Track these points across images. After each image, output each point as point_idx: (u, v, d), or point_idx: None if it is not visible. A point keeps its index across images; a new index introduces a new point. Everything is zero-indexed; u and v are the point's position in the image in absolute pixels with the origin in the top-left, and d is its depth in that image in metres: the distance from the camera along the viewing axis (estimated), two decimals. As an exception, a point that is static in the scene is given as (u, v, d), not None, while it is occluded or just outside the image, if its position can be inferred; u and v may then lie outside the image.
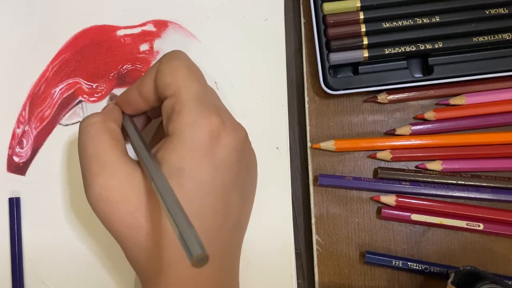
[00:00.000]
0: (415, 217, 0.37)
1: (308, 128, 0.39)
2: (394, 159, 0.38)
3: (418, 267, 0.36)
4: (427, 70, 0.38)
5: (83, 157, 0.30)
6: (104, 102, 0.39)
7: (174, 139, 0.28)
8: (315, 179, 0.38)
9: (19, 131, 0.38)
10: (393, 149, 0.38)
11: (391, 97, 0.38)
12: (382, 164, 0.38)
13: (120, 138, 0.31)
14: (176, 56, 0.30)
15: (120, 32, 0.39)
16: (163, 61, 0.30)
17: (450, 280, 0.33)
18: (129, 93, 0.32)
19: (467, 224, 0.36)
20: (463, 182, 0.37)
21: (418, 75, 0.38)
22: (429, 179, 0.37)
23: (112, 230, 0.29)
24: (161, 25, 0.39)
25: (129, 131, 0.32)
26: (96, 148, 0.29)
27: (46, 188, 0.38)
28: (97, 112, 0.32)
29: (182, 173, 0.27)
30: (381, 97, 0.38)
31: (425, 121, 0.38)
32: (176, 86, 0.29)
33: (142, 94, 0.31)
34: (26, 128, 0.38)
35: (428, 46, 0.37)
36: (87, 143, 0.30)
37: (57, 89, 0.39)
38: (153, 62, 0.39)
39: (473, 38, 0.37)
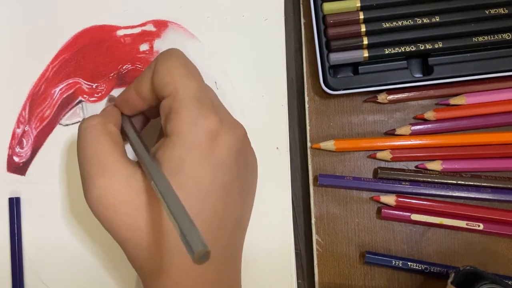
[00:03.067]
0: (415, 217, 0.37)
1: (308, 128, 0.39)
2: (394, 159, 0.38)
3: (418, 267, 0.36)
4: (427, 70, 0.38)
5: (82, 159, 0.30)
6: (104, 102, 0.39)
7: (173, 138, 0.28)
8: (315, 179, 0.38)
9: (19, 131, 0.38)
10: (393, 149, 0.38)
11: (391, 97, 0.38)
12: (382, 164, 0.38)
13: (119, 140, 0.31)
14: (172, 54, 0.30)
15: (120, 32, 0.39)
16: (160, 60, 0.30)
17: (450, 280, 0.33)
18: (127, 93, 0.32)
19: (467, 224, 0.36)
20: (463, 182, 0.37)
21: (418, 75, 0.38)
22: (429, 179, 0.37)
23: (113, 232, 0.29)
24: (161, 25, 0.39)
25: (129, 132, 0.32)
26: (96, 150, 0.29)
27: (46, 188, 0.38)
28: (96, 114, 0.32)
29: (182, 173, 0.27)
30: (381, 97, 0.38)
31: (425, 121, 0.38)
32: (174, 85, 0.28)
33: (140, 93, 0.31)
34: (26, 128, 0.38)
35: (428, 46, 0.37)
36: (86, 145, 0.30)
37: (57, 89, 0.39)
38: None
39: (473, 38, 0.37)
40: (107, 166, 0.29)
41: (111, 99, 0.38)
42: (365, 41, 0.37)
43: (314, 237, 0.37)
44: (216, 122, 0.28)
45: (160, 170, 0.27)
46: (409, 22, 0.37)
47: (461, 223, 0.36)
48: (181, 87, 0.28)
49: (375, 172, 0.38)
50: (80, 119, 0.38)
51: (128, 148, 0.31)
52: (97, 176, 0.28)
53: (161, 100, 0.29)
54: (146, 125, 0.35)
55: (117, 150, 0.29)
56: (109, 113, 0.32)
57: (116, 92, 0.39)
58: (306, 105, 0.39)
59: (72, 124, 0.39)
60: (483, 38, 0.37)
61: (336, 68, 0.39)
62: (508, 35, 0.37)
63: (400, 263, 0.36)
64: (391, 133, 0.38)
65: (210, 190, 0.28)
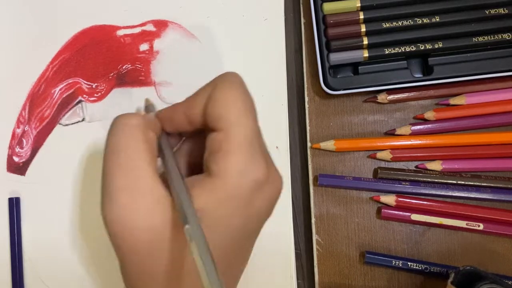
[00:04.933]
0: (415, 217, 0.37)
1: (308, 128, 0.39)
2: (394, 159, 0.38)
3: (418, 267, 0.36)
4: (427, 70, 0.38)
5: (110, 162, 0.25)
6: (104, 102, 0.39)
7: (216, 181, 0.25)
8: (315, 179, 0.38)
9: (19, 131, 0.38)
10: (393, 149, 0.38)
11: (391, 97, 0.38)
12: (382, 164, 0.38)
13: (155, 153, 0.27)
14: (232, 83, 0.27)
15: (120, 32, 0.39)
16: (218, 87, 0.26)
17: (450, 280, 0.33)
18: (173, 113, 0.28)
19: (467, 224, 0.36)
20: (463, 182, 0.37)
21: (418, 75, 0.38)
22: (429, 179, 0.37)
23: (122, 253, 0.25)
24: (161, 25, 0.39)
25: (166, 153, 0.28)
26: (130, 157, 0.25)
27: (46, 188, 0.38)
28: (138, 114, 0.28)
29: (216, 218, 0.25)
30: (381, 97, 0.38)
31: (425, 121, 0.38)
32: (229, 121, 0.25)
33: (189, 117, 0.27)
34: (26, 128, 0.38)
35: (428, 46, 0.37)
36: (119, 146, 0.25)
37: (57, 89, 0.39)
38: (153, 62, 0.39)
39: (473, 38, 0.37)
40: (138, 181, 0.25)
41: (149, 106, 0.34)
42: (365, 41, 0.37)
43: (314, 237, 0.37)
44: (264, 173, 0.26)
45: (196, 214, 0.24)
46: (409, 22, 0.37)
47: (461, 223, 0.36)
48: (236, 126, 0.25)
49: (375, 172, 0.38)
50: (80, 119, 0.38)
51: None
52: (123, 190, 0.24)
53: (211, 129, 0.26)
54: (178, 143, 0.31)
55: (152, 165, 0.25)
56: (151, 120, 0.28)
57: (116, 92, 0.39)
58: (306, 105, 0.39)
59: (72, 124, 0.38)
60: (483, 38, 0.37)
61: (336, 68, 0.39)
62: (508, 35, 0.37)
63: (400, 263, 0.36)
64: (391, 133, 0.38)
65: (239, 238, 0.26)
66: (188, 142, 0.31)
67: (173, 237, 0.25)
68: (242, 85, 0.27)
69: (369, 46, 0.37)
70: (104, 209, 0.25)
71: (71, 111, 0.39)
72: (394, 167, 0.38)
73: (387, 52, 0.37)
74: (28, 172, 0.38)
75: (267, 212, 0.28)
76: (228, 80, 0.27)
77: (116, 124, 0.26)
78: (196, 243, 0.23)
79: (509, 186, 0.37)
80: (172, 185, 0.25)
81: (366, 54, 0.37)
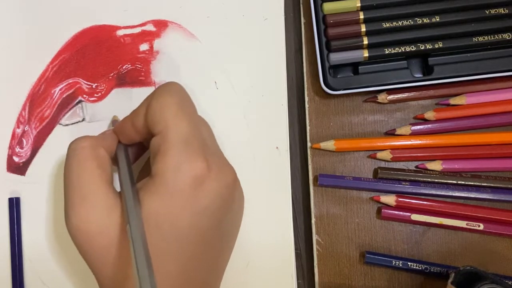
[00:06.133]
0: (415, 217, 0.37)
1: (308, 128, 0.39)
2: (394, 159, 0.38)
3: (418, 267, 0.36)
4: (427, 70, 0.38)
5: (66, 182, 0.29)
6: (104, 102, 0.39)
7: (156, 181, 0.27)
8: (315, 179, 0.38)
9: (19, 131, 0.38)
10: (393, 149, 0.38)
11: (391, 97, 0.38)
12: (382, 164, 0.38)
13: (107, 166, 0.30)
14: (168, 90, 0.29)
15: (120, 32, 0.39)
16: (155, 96, 0.29)
17: (450, 280, 0.33)
18: (123, 123, 0.31)
19: (467, 224, 0.36)
20: (463, 182, 0.37)
21: (418, 75, 0.38)
22: (429, 179, 0.37)
23: (86, 260, 0.29)
24: (161, 25, 0.39)
25: (120, 162, 0.31)
26: (79, 176, 0.29)
27: (46, 188, 0.38)
28: (89, 136, 0.31)
29: (160, 217, 0.27)
30: (381, 97, 0.38)
31: (425, 121, 0.38)
32: (164, 124, 0.28)
33: (135, 126, 0.30)
34: (26, 128, 0.38)
35: (428, 46, 0.37)
36: (72, 168, 0.29)
37: (57, 89, 0.39)
38: (153, 62, 0.39)
39: (473, 38, 0.37)
40: (89, 194, 0.28)
41: (115, 121, 0.38)
42: (365, 41, 0.37)
43: (314, 237, 0.37)
44: (203, 168, 0.27)
45: (139, 216, 0.26)
46: (409, 22, 0.37)
47: (461, 223, 0.36)
48: (171, 128, 0.28)
49: (375, 172, 0.38)
50: (80, 119, 0.38)
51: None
52: (78, 204, 0.28)
53: (152, 135, 0.29)
54: (143, 153, 0.35)
55: (101, 178, 0.29)
56: (104, 137, 0.32)
57: (116, 92, 0.39)
58: (306, 105, 0.39)
59: (72, 124, 0.39)
60: (483, 38, 0.37)
61: (336, 68, 0.39)
62: (508, 35, 0.37)
63: (400, 263, 0.36)
64: (391, 133, 0.38)
65: (189, 235, 0.27)
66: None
67: (124, 241, 0.28)
68: (177, 91, 0.29)
69: (369, 46, 0.37)
70: (66, 220, 0.29)
71: (71, 111, 0.39)
72: (394, 167, 0.38)
73: (387, 52, 0.37)
74: (28, 172, 0.38)
75: (219, 208, 0.28)
76: (165, 89, 0.29)
77: (69, 149, 0.30)
78: (132, 240, 0.25)
79: (509, 186, 0.37)
80: (122, 191, 0.28)
81: (366, 54, 0.37)
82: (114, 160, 0.32)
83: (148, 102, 0.29)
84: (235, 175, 0.30)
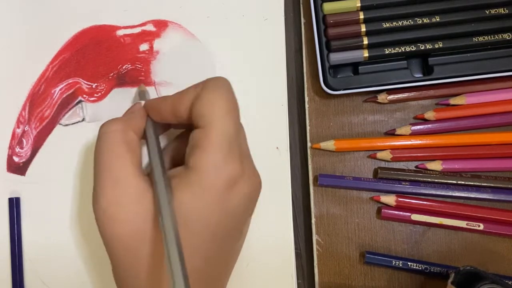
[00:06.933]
0: (415, 217, 0.37)
1: (308, 128, 0.39)
2: (394, 159, 0.38)
3: (418, 267, 0.36)
4: (427, 70, 0.38)
5: (97, 166, 0.29)
6: (104, 102, 0.39)
7: (191, 174, 0.27)
8: (315, 179, 0.38)
9: (19, 131, 0.38)
10: (393, 149, 0.38)
11: (391, 97, 0.38)
12: (382, 164, 0.38)
13: (137, 150, 0.30)
14: (220, 86, 0.29)
15: (120, 32, 0.39)
16: (206, 88, 0.29)
17: (450, 280, 0.33)
18: (162, 104, 0.31)
19: (467, 224, 0.36)
20: (463, 182, 0.37)
21: (418, 75, 0.38)
22: (429, 179, 0.37)
23: (108, 246, 0.28)
24: (161, 25, 0.39)
25: (150, 141, 0.31)
26: (110, 159, 0.29)
27: (46, 188, 0.38)
28: (118, 118, 0.31)
29: (190, 211, 0.27)
30: (381, 97, 0.38)
31: (425, 121, 0.38)
32: (211, 120, 0.28)
33: (175, 111, 0.30)
34: (26, 128, 0.38)
35: (428, 46, 0.37)
36: (102, 151, 0.29)
37: (57, 89, 0.39)
38: (153, 62, 0.39)
39: (473, 38, 0.37)
40: (120, 179, 0.28)
41: (142, 94, 0.37)
42: (365, 41, 0.37)
43: (314, 237, 0.37)
44: (238, 171, 0.28)
45: (172, 206, 0.26)
46: (409, 22, 0.37)
47: (461, 223, 0.36)
48: (216, 126, 0.27)
49: (375, 172, 0.38)
50: (80, 119, 0.38)
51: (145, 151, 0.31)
52: (108, 188, 0.28)
53: (195, 127, 0.29)
54: (169, 129, 0.35)
55: (132, 163, 0.29)
56: (133, 118, 0.31)
57: (116, 92, 0.39)
58: (306, 105, 0.39)
59: (72, 124, 0.38)
60: (483, 38, 0.37)
61: (336, 68, 0.39)
62: (508, 35, 0.37)
63: (400, 263, 0.36)
64: (391, 133, 0.38)
65: (215, 234, 0.28)
66: (177, 140, 0.34)
67: (155, 230, 0.27)
68: (228, 90, 0.29)
69: (369, 46, 0.37)
70: (94, 202, 0.28)
71: (71, 111, 0.39)
72: (394, 167, 0.38)
73: (387, 52, 0.37)
74: (28, 172, 0.38)
75: (245, 210, 0.29)
76: (217, 84, 0.29)
77: (99, 133, 0.30)
78: (165, 231, 0.25)
79: (509, 186, 0.37)
80: (152, 177, 0.28)
81: (366, 54, 0.37)
82: (144, 137, 0.32)
83: (197, 92, 0.29)
84: (261, 180, 0.30)
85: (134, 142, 0.30)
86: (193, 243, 0.27)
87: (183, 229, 0.26)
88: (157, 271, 0.28)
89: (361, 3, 0.37)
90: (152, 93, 0.38)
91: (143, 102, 0.33)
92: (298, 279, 0.38)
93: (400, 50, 0.37)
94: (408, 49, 0.37)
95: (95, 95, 0.39)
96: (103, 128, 0.30)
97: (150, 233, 0.27)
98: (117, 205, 0.27)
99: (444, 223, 0.36)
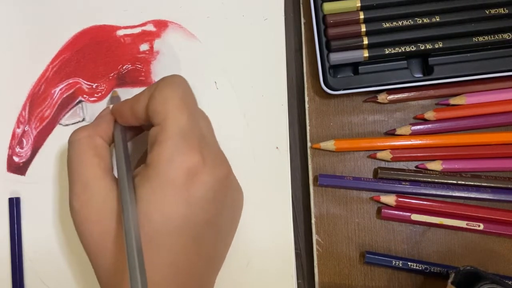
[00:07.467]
0: (415, 217, 0.37)
1: (308, 128, 0.39)
2: (394, 159, 0.38)
3: (418, 267, 0.36)
4: (427, 70, 0.38)
5: (69, 172, 0.31)
6: (104, 102, 0.39)
7: (149, 170, 0.28)
8: (315, 179, 0.38)
9: (19, 131, 0.38)
10: (393, 149, 0.38)
11: (391, 97, 0.38)
12: (382, 164, 0.38)
13: (105, 154, 0.31)
14: (171, 83, 0.30)
15: (120, 32, 0.39)
16: (159, 86, 0.30)
17: (450, 280, 0.33)
18: (123, 107, 0.32)
19: (467, 224, 0.36)
20: (463, 182, 0.37)
21: (418, 75, 0.38)
22: (429, 179, 0.37)
23: (84, 246, 0.30)
24: (161, 25, 0.39)
25: (116, 146, 0.32)
26: (79, 165, 0.30)
27: (46, 188, 0.38)
28: (85, 126, 0.32)
29: (150, 204, 0.27)
30: (381, 97, 0.38)
31: (425, 121, 0.38)
32: (164, 116, 0.28)
33: (134, 112, 0.31)
34: (26, 128, 0.38)
35: (428, 46, 0.37)
36: (72, 158, 0.31)
37: (57, 89, 0.39)
38: (153, 62, 0.39)
39: (473, 38, 0.37)
40: (88, 182, 0.30)
41: (113, 99, 0.38)
42: (365, 41, 0.37)
43: (314, 237, 0.37)
44: (196, 161, 0.28)
45: (133, 203, 0.27)
46: (409, 22, 0.37)
47: (461, 223, 0.36)
48: (170, 120, 0.28)
49: (375, 172, 0.38)
50: (80, 119, 0.38)
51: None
52: (79, 191, 0.30)
53: (152, 125, 0.29)
54: (141, 132, 0.35)
55: (100, 166, 0.30)
56: (101, 121, 0.33)
57: (119, 92, 0.39)
58: (306, 105, 0.39)
59: (72, 124, 0.39)
60: (483, 38, 0.37)
61: (336, 68, 0.39)
62: (508, 35, 0.37)
63: (400, 263, 0.36)
64: (391, 133, 0.38)
65: (180, 226, 0.28)
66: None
67: (119, 230, 0.29)
68: (180, 85, 0.30)
69: (369, 46, 0.37)
70: (70, 207, 0.30)
71: (71, 111, 0.39)
72: (394, 167, 0.38)
73: (387, 52, 0.37)
74: (28, 172, 0.38)
75: (213, 201, 0.29)
76: (168, 81, 0.30)
77: (68, 141, 0.32)
78: (124, 227, 0.26)
79: (509, 186, 0.37)
80: (118, 177, 0.30)
81: (366, 54, 0.37)
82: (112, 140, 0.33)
83: (150, 92, 0.30)
84: (229, 170, 0.30)
85: (101, 147, 0.31)
86: (157, 238, 0.27)
87: (146, 224, 0.27)
88: (121, 266, 0.28)
89: (361, 3, 0.37)
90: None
91: (111, 107, 0.34)
92: (298, 279, 0.38)
93: (400, 50, 0.37)
94: (408, 49, 0.37)
95: (95, 95, 0.39)
96: (72, 137, 0.32)
97: (116, 231, 0.29)
98: (87, 207, 0.29)
99: (444, 223, 0.36)
